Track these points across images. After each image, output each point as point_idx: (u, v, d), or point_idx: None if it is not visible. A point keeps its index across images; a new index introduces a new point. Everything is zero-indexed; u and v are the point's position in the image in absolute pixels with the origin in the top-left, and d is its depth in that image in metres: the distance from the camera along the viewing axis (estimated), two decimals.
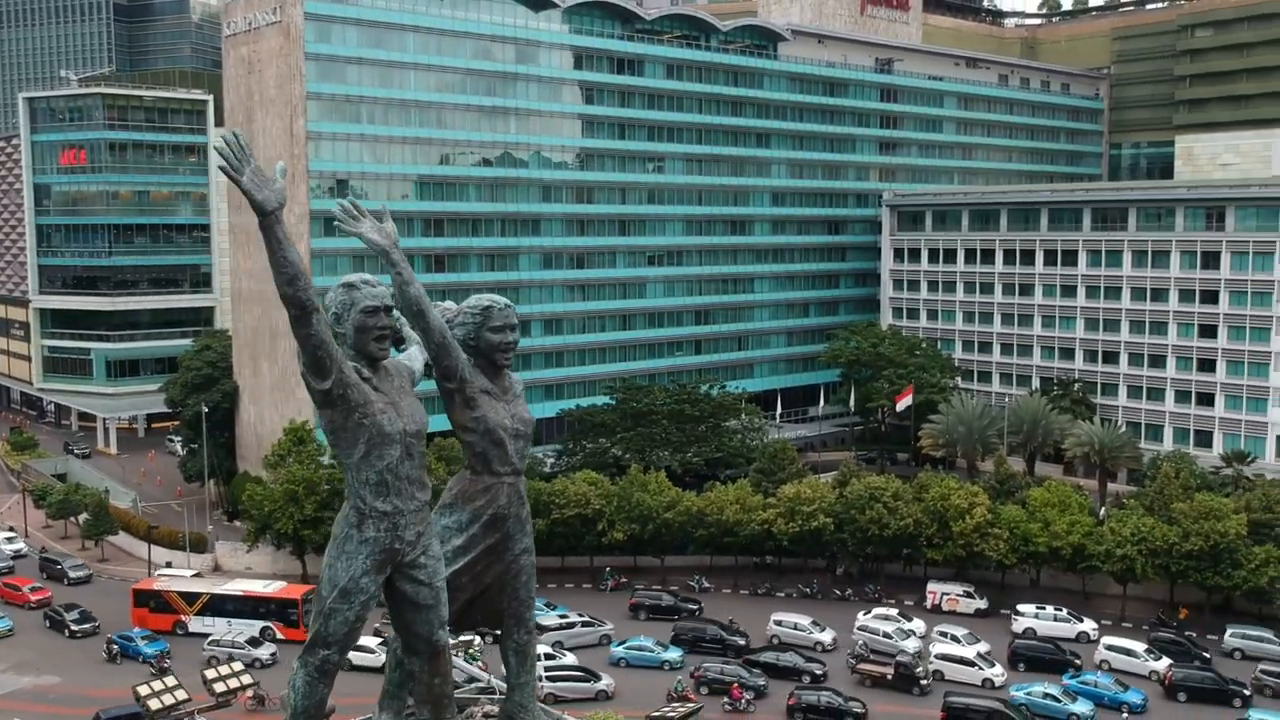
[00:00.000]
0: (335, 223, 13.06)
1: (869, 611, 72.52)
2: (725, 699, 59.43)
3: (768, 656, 65.09)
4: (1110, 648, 66.17)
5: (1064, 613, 72.36)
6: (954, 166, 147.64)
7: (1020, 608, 72.79)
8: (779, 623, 70.62)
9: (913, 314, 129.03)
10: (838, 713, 57.13)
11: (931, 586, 77.26)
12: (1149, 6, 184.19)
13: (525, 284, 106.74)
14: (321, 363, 13.04)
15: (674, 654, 65.98)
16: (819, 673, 63.49)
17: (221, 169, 11.27)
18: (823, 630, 70.00)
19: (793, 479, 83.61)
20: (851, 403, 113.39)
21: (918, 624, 71.33)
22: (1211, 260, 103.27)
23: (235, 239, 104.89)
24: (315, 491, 76.59)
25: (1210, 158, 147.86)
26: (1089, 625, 71.53)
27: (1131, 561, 71.72)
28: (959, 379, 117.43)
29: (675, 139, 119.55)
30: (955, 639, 67.48)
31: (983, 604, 75.68)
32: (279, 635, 69.66)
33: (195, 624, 71.25)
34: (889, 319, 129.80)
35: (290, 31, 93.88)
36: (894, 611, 73.49)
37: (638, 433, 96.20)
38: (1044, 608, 72.53)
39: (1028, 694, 59.45)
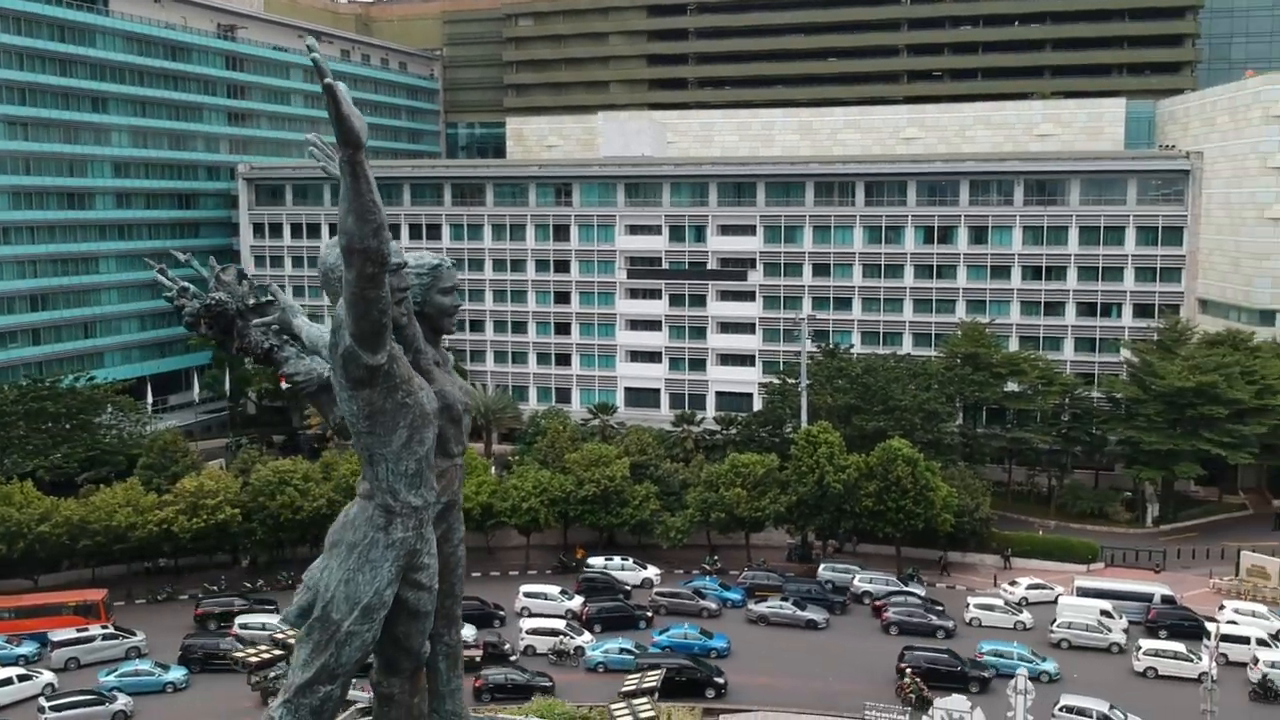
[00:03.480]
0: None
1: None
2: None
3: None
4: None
5: (630, 561, 75.86)
6: (305, 141, 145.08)
7: (591, 560, 76.04)
8: (529, 595, 68.39)
9: None
10: (524, 689, 54.86)
11: None
12: None
13: None
14: (381, 332, 10.32)
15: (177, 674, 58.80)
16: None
17: (327, 86, 9.90)
18: (571, 598, 68.43)
19: (189, 472, 77.37)
20: (227, 386, 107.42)
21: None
22: (562, 233, 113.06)
23: None
24: None
25: (538, 139, 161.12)
26: (652, 572, 75.27)
27: (536, 512, 76.68)
28: None
29: None
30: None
31: None
32: None
33: None
34: None
35: None
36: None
37: None
38: (612, 558, 76.03)
39: (604, 652, 59.61)
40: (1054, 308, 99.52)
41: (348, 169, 9.92)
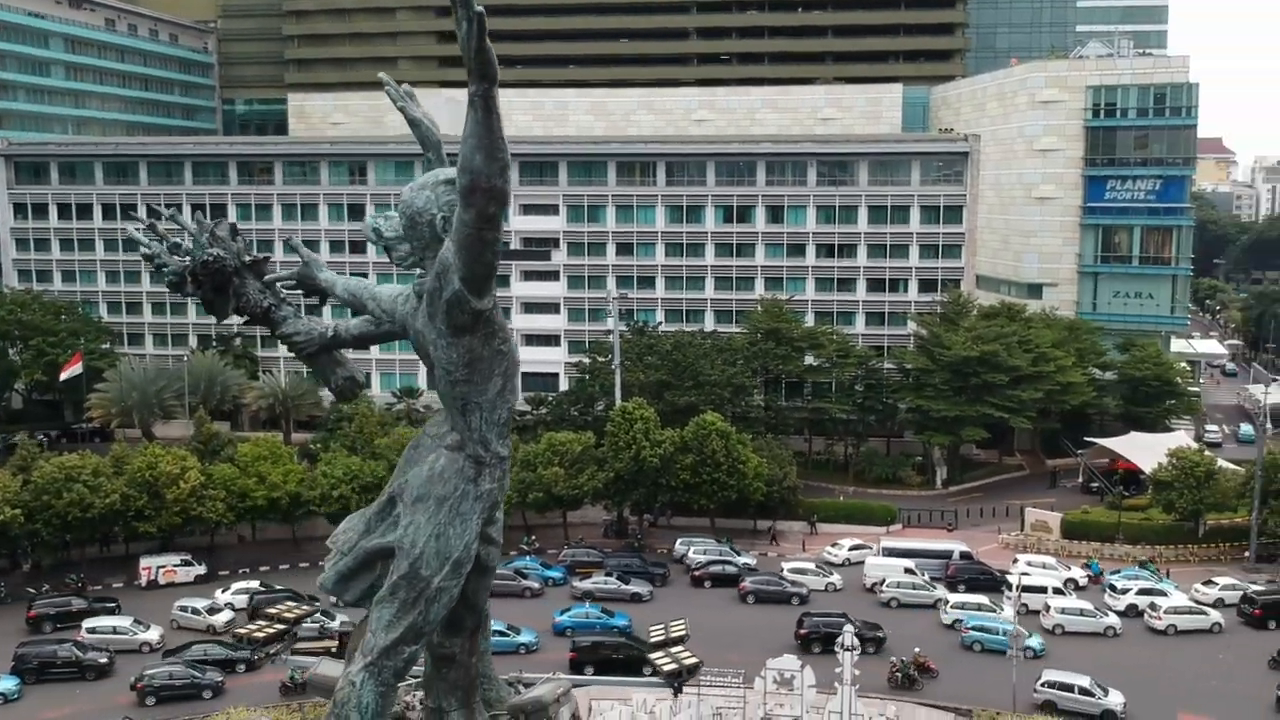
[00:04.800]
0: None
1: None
2: None
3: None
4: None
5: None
6: (69, 115, 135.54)
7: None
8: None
9: (44, 276, 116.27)
10: (193, 687, 52.36)
11: (145, 562, 71.78)
12: None
13: None
14: (492, 275, 9.76)
15: None
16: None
17: (478, 13, 9.41)
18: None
19: None
20: None
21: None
22: (357, 212, 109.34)
23: None
24: None
25: (322, 116, 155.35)
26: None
27: (348, 500, 74.28)
28: (111, 343, 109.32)
29: None
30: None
31: (202, 570, 72.42)
32: None
33: None
34: (14, 282, 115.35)
35: None
36: None
37: None
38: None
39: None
40: (846, 283, 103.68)
41: (480, 104, 9.36)
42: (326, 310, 19.40)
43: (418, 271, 13.44)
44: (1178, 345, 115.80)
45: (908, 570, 67.94)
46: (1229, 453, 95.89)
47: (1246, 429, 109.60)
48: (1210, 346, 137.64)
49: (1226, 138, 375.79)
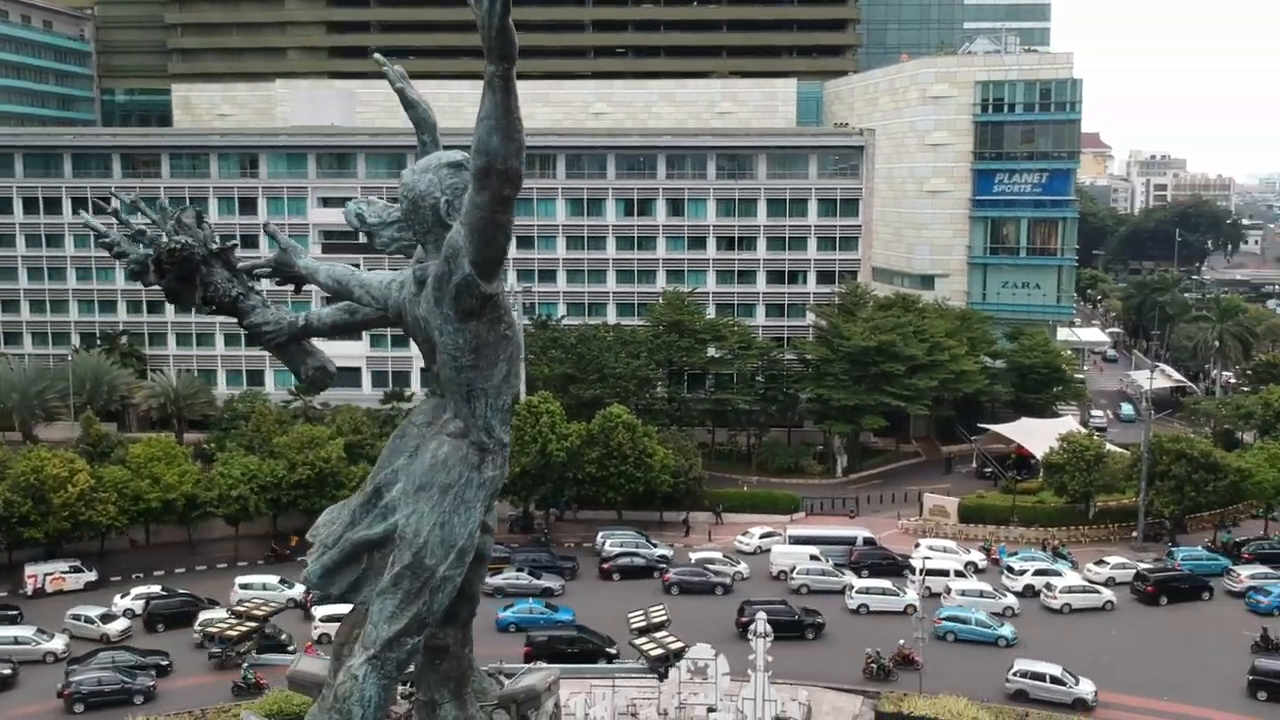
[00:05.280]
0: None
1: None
2: None
3: None
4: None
5: None
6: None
7: None
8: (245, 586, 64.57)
9: None
10: (124, 692, 50.50)
11: (30, 570, 68.86)
12: None
13: None
14: (502, 259, 9.55)
15: None
16: None
17: None
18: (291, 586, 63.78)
19: None
20: None
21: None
22: (249, 205, 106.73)
23: None
24: None
25: (209, 107, 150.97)
26: None
27: (245, 500, 72.48)
28: None
29: None
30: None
31: (92, 576, 69.83)
32: None
33: None
34: None
35: None
36: None
37: None
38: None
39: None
40: (746, 276, 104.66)
41: (500, 84, 9.14)
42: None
43: (416, 255, 13.21)
44: (1063, 334, 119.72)
45: (813, 557, 68.91)
46: (1112, 435, 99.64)
47: (1127, 408, 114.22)
48: (1093, 334, 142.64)
49: (1103, 133, 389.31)
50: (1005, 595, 64.68)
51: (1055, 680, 51.77)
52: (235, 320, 15.63)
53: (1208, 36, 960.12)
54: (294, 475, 73.37)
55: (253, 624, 54.03)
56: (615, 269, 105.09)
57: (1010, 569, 69.05)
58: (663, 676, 44.84)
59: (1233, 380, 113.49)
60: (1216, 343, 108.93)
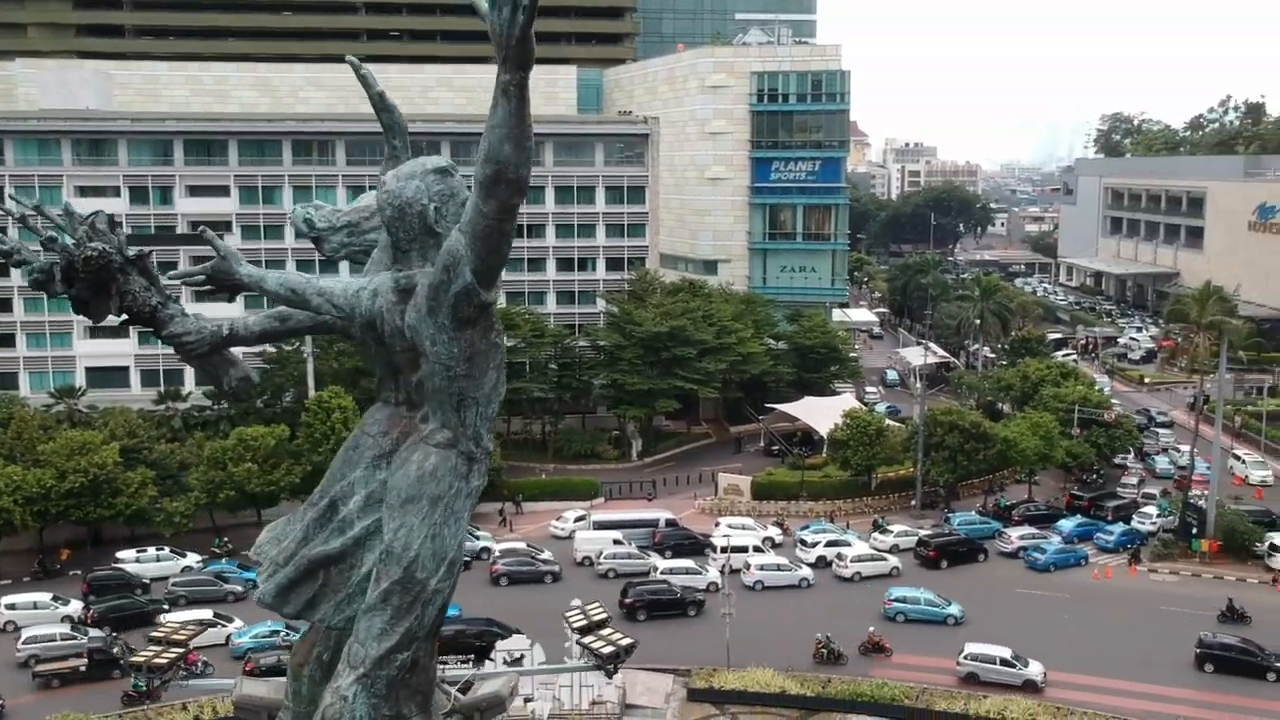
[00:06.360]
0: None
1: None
2: None
3: None
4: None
5: (166, 550, 70.16)
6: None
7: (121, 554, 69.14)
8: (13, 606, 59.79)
9: None
10: None
11: None
12: None
13: None
14: (502, 267, 9.65)
15: None
16: None
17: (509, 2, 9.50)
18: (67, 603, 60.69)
19: None
20: None
21: None
22: None
23: None
24: None
25: None
26: (193, 559, 69.66)
27: (10, 514, 67.09)
28: None
29: None
30: None
31: None
32: None
33: None
34: None
35: None
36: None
37: None
38: (145, 549, 69.77)
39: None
40: (536, 263, 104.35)
41: (516, 92, 8.94)
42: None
43: (374, 258, 12.54)
44: (837, 315, 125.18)
45: (616, 541, 69.67)
46: (886, 402, 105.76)
47: (891, 374, 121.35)
48: (862, 315, 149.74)
49: (861, 121, 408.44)
50: (800, 568, 67.25)
51: (1005, 663, 52.58)
52: (153, 331, 14.39)
53: (948, 24, 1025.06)
54: (64, 484, 68.39)
55: (180, 650, 50.89)
56: None
57: (803, 541, 71.83)
58: (611, 673, 44.67)
59: (991, 355, 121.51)
60: (978, 320, 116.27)
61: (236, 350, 15.71)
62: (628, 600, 59.78)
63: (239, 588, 63.95)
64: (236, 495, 72.09)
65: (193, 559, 69.52)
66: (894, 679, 51.70)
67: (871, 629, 56.70)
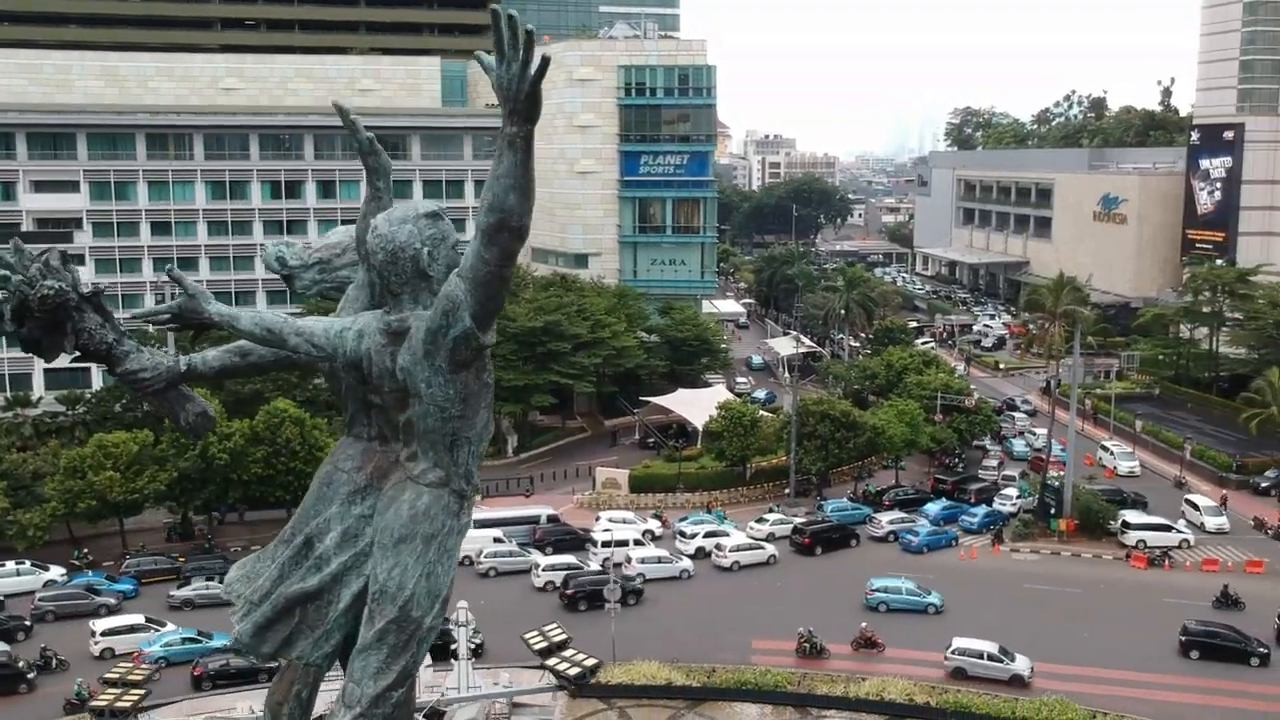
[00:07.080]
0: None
1: None
2: None
3: None
4: None
5: (27, 564, 67.25)
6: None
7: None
8: None
9: None
10: None
11: None
12: None
13: None
14: (499, 310, 10.48)
15: None
16: None
17: (545, 59, 9.76)
18: None
19: None
20: None
21: None
22: None
23: None
24: None
25: None
26: (56, 573, 67.00)
27: None
28: None
29: None
30: None
31: None
32: None
33: None
34: None
35: None
36: None
37: None
38: (3, 564, 67.00)
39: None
40: None
41: (522, 144, 9.32)
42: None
43: (348, 295, 12.17)
44: (706, 306, 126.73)
45: (496, 539, 69.25)
46: (753, 389, 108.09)
47: (756, 359, 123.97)
48: (730, 306, 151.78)
49: (721, 113, 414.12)
50: (680, 559, 67.98)
51: (992, 657, 52.42)
52: (106, 368, 13.75)
53: (800, 15, 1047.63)
54: None
55: (140, 691, 48.67)
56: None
57: (682, 533, 72.56)
58: (575, 694, 44.21)
59: (856, 345, 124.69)
60: (844, 310, 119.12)
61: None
62: (569, 591, 60.99)
63: (111, 600, 61.46)
64: (97, 505, 69.15)
65: (56, 572, 66.48)
66: (883, 673, 51.67)
67: (864, 625, 56.56)
